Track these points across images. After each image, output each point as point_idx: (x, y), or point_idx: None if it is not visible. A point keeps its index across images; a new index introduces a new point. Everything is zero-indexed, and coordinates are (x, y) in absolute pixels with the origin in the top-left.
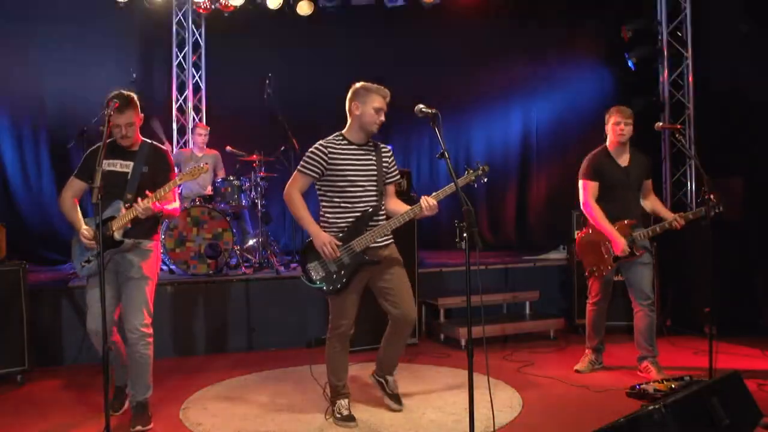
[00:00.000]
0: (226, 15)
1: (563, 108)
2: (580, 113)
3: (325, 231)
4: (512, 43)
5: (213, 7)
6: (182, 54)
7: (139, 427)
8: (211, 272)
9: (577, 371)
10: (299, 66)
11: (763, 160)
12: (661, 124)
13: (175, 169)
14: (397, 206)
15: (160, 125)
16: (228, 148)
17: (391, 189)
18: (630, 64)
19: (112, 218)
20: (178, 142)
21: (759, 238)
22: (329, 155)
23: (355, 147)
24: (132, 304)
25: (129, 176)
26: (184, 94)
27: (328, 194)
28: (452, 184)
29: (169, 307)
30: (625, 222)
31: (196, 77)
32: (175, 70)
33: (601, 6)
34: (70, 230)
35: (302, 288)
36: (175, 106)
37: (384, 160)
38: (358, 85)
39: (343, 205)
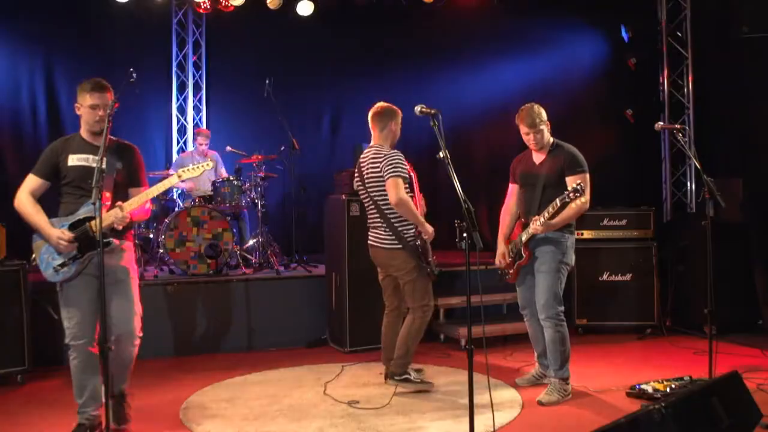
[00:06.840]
0: (226, 15)
1: (563, 110)
2: (580, 115)
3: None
4: (512, 45)
5: (213, 7)
6: (182, 54)
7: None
8: (211, 272)
9: (516, 383)
10: (299, 66)
11: (763, 160)
12: (661, 124)
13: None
14: None
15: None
16: (228, 148)
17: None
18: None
19: (91, 218)
20: (177, 142)
21: (759, 238)
22: None
23: None
24: (126, 307)
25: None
26: (184, 94)
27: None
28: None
29: (169, 307)
30: (522, 221)
31: (196, 77)
32: (175, 70)
33: (601, 6)
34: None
35: (302, 288)
36: (175, 106)
37: None
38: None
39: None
